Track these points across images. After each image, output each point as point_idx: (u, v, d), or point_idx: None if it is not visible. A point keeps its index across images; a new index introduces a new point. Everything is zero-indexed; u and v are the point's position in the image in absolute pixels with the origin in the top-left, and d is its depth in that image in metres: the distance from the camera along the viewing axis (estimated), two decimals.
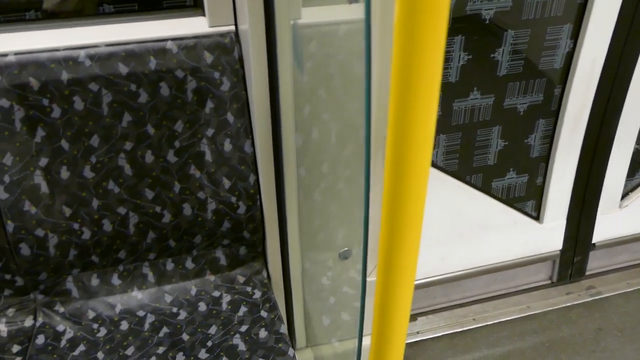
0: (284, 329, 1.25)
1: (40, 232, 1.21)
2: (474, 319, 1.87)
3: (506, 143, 1.70)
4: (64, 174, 1.21)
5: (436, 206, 1.70)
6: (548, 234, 1.89)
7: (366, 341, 0.86)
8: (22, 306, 1.27)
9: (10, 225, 1.19)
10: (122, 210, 1.26)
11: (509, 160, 1.73)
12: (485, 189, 1.75)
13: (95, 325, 1.26)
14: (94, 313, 1.28)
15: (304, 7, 1.18)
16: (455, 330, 1.83)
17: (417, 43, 0.40)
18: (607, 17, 1.54)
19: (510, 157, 1.73)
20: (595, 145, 1.76)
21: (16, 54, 1.13)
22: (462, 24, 1.48)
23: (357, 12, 1.18)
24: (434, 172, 1.68)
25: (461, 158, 1.68)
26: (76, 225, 1.23)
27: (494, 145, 1.69)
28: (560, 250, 1.94)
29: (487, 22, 1.49)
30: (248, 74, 1.21)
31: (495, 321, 1.87)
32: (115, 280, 1.31)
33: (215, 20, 1.22)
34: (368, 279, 1.22)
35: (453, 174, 1.69)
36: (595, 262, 2.06)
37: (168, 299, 1.32)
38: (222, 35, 1.22)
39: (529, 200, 1.83)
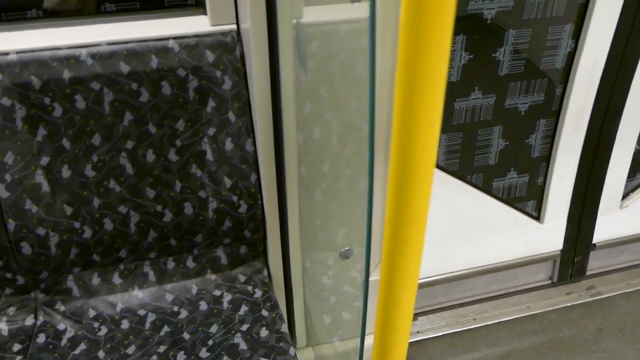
0: (284, 328, 1.25)
1: (41, 231, 1.21)
2: (474, 319, 1.87)
3: (507, 143, 1.69)
4: (65, 172, 1.20)
5: (437, 206, 1.70)
6: (549, 234, 1.89)
7: (367, 341, 0.86)
8: (23, 305, 1.27)
9: (11, 224, 1.19)
10: (123, 209, 1.25)
11: (509, 160, 1.73)
12: (486, 189, 1.75)
13: (96, 324, 1.26)
14: (94, 312, 1.28)
15: (306, 6, 1.18)
16: (455, 330, 1.83)
17: (423, 42, 0.40)
18: (609, 17, 1.54)
19: (511, 157, 1.72)
20: (596, 145, 1.76)
21: (17, 52, 1.13)
22: (463, 23, 1.48)
23: (359, 11, 1.18)
24: (435, 171, 1.67)
25: (462, 158, 1.67)
26: (77, 224, 1.23)
27: (495, 145, 1.69)
28: (560, 250, 1.94)
29: (489, 21, 1.49)
30: (249, 73, 1.21)
31: (496, 321, 1.87)
32: (116, 279, 1.31)
33: (216, 19, 1.22)
34: (369, 279, 1.22)
35: (454, 173, 1.69)
36: (595, 262, 2.06)
37: (169, 298, 1.32)
38: (224, 34, 1.22)
39: (529, 200, 1.83)
